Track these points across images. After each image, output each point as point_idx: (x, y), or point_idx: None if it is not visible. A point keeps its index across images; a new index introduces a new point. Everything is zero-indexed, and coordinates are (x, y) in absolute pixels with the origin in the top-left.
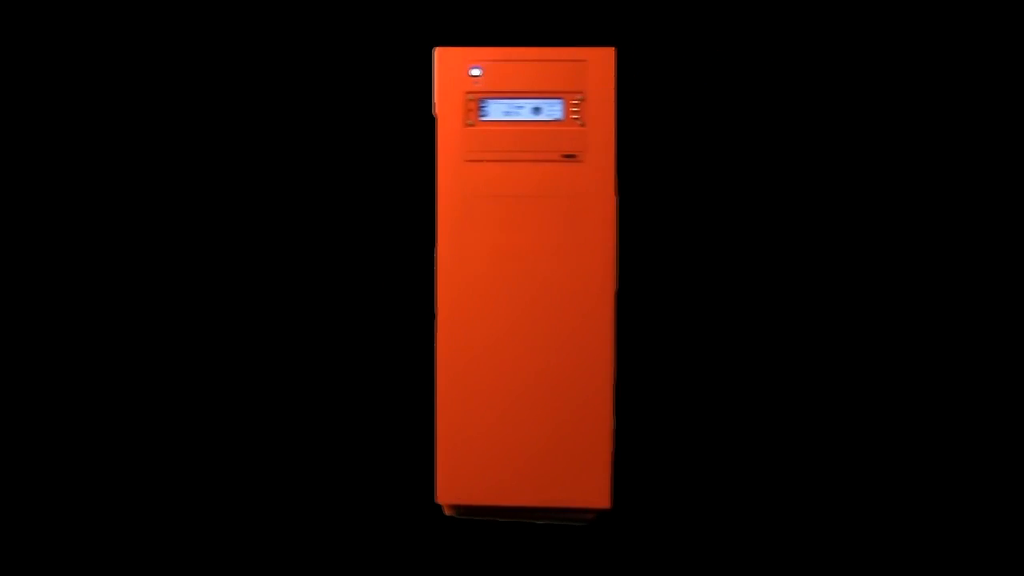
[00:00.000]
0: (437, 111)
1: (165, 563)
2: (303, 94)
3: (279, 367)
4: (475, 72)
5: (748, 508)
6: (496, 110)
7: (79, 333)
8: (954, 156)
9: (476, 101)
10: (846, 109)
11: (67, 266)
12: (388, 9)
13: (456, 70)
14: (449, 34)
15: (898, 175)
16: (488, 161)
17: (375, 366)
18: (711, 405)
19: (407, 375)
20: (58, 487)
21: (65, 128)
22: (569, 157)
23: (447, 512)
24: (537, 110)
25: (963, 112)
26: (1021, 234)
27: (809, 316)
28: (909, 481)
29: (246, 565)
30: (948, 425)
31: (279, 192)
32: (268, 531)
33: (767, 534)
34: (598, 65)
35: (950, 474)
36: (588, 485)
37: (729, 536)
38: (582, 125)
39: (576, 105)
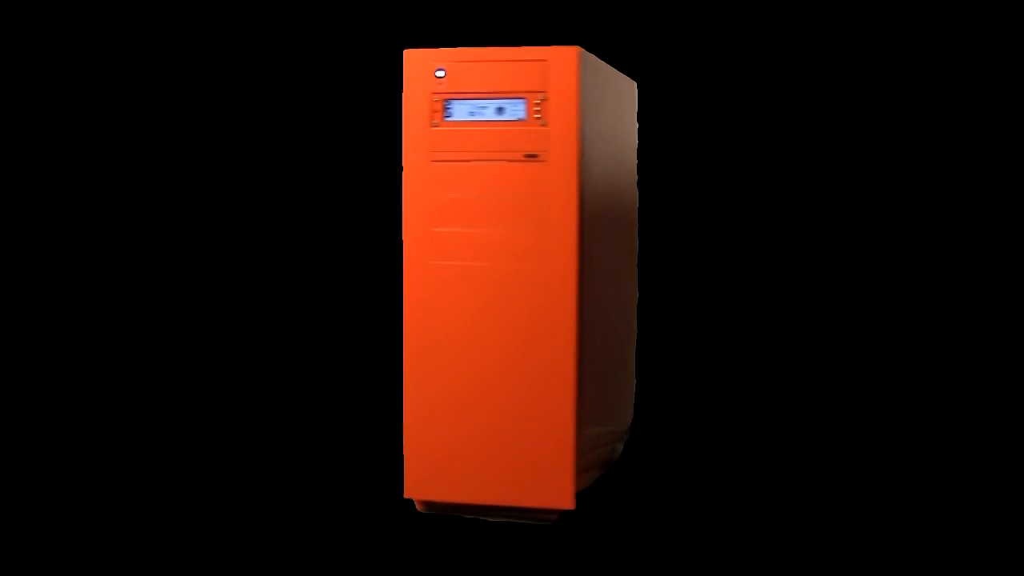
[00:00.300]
0: (404, 112)
1: (131, 559)
2: (287, 98)
3: (249, 366)
4: (439, 73)
5: (714, 510)
6: (460, 111)
7: (42, 335)
8: (951, 160)
9: (441, 102)
10: (846, 115)
11: (27, 266)
12: (373, 13)
13: (423, 71)
14: (443, 38)
15: (898, 174)
16: (453, 161)
17: (348, 362)
18: (677, 407)
19: (379, 370)
20: (26, 485)
21: (29, 131)
22: (531, 157)
23: (419, 508)
24: (500, 110)
25: (954, 116)
26: None
27: (784, 318)
28: (895, 485)
29: (221, 562)
30: (949, 418)
31: (254, 193)
32: (237, 527)
33: (732, 538)
34: (560, 64)
35: (947, 467)
36: (551, 485)
37: (690, 539)
38: (543, 125)
39: (538, 105)
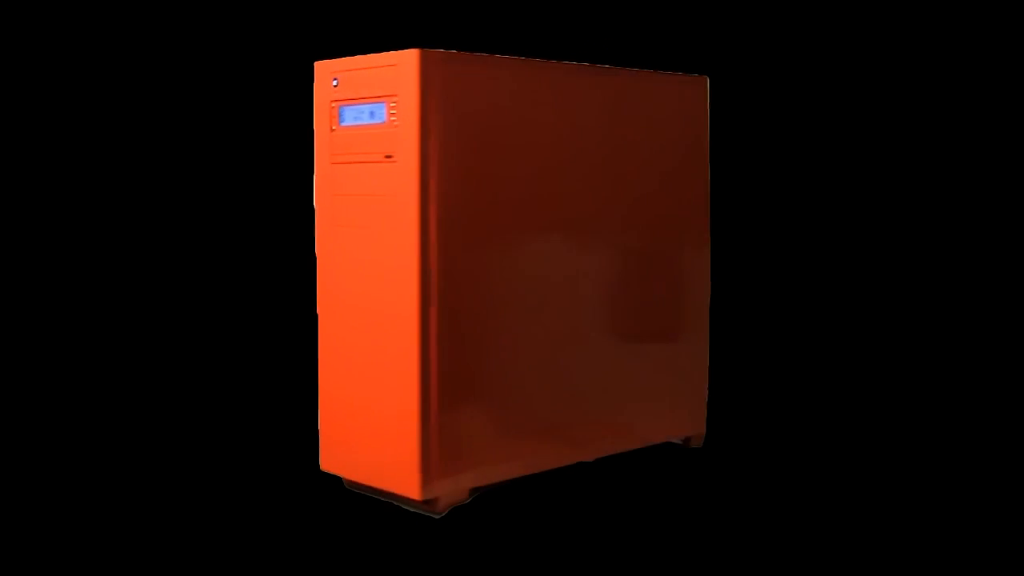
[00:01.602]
0: (315, 118)
1: (66, 539)
2: (247, 111)
3: (185, 356)
4: (334, 82)
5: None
6: (349, 116)
7: None
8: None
9: (336, 108)
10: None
11: None
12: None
13: (329, 81)
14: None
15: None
16: (343, 163)
17: (289, 344)
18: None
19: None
20: None
21: None
22: (388, 158)
23: (346, 485)
24: (372, 114)
25: None
26: None
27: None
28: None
29: (169, 541)
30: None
31: (205, 190)
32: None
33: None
34: (406, 68)
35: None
36: (404, 473)
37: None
38: (396, 126)
39: (393, 107)
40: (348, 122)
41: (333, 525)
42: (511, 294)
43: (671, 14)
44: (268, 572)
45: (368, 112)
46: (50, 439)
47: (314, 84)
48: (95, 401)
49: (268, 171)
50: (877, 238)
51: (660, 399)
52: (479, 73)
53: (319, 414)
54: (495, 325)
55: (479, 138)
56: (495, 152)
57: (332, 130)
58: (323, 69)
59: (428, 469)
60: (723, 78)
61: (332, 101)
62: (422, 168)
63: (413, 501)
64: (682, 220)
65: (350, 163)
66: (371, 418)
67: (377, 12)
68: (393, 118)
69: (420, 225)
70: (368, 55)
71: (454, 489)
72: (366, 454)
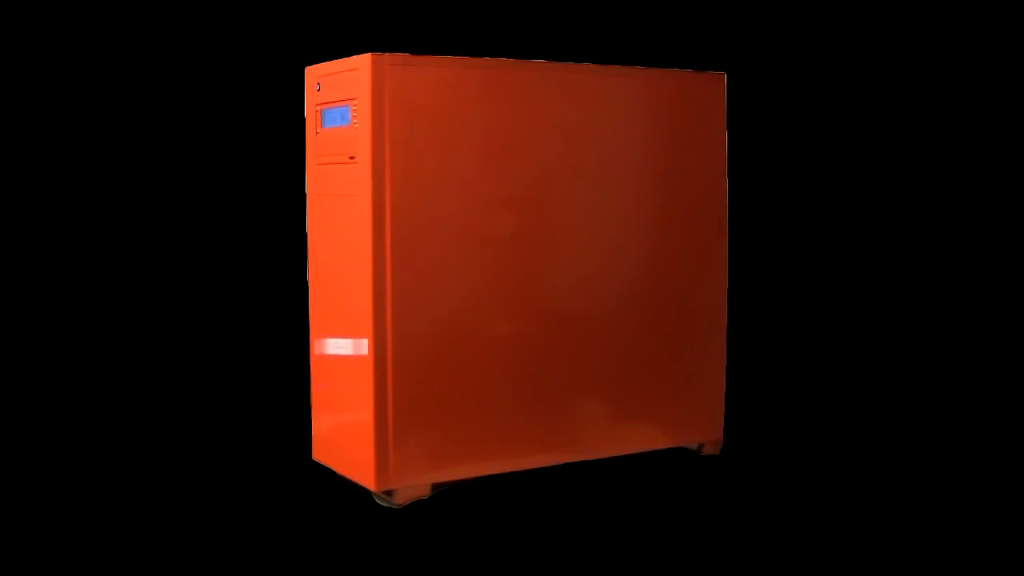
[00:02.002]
0: (307, 122)
1: (61, 531)
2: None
3: (189, 347)
4: (317, 87)
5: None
6: (328, 118)
7: None
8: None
9: (319, 112)
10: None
11: None
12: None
13: (315, 85)
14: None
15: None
16: (325, 164)
17: (295, 336)
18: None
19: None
20: None
21: None
22: (352, 159)
23: (338, 476)
24: (343, 116)
25: None
26: None
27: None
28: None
29: (160, 531)
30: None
31: (203, 191)
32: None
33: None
34: (363, 72)
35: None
36: (364, 465)
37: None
38: (357, 128)
39: (355, 110)
40: (327, 125)
41: (305, 512)
42: (484, 295)
43: (689, 11)
44: (236, 549)
45: (339, 115)
46: (45, 434)
47: (305, 88)
48: (90, 393)
49: (273, 171)
50: (900, 240)
51: (670, 403)
52: (436, 75)
53: (311, 406)
54: (464, 327)
55: (440, 139)
56: (459, 153)
57: (317, 132)
58: (312, 74)
59: (384, 460)
60: (741, 75)
61: (316, 105)
62: (375, 169)
63: (375, 492)
64: (699, 220)
65: (329, 164)
66: (342, 409)
67: (394, 15)
68: (354, 121)
69: (374, 226)
70: (341, 59)
71: (413, 483)
72: (340, 444)
